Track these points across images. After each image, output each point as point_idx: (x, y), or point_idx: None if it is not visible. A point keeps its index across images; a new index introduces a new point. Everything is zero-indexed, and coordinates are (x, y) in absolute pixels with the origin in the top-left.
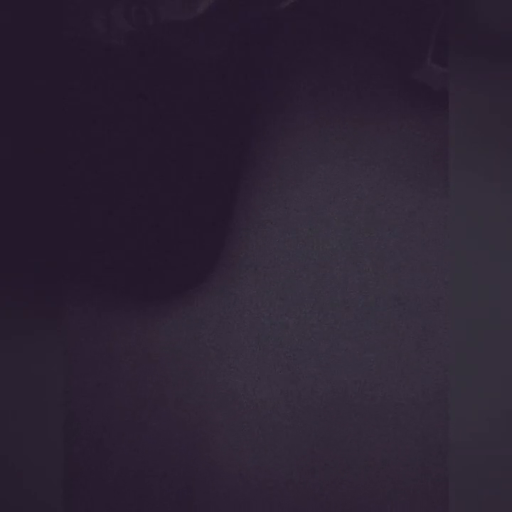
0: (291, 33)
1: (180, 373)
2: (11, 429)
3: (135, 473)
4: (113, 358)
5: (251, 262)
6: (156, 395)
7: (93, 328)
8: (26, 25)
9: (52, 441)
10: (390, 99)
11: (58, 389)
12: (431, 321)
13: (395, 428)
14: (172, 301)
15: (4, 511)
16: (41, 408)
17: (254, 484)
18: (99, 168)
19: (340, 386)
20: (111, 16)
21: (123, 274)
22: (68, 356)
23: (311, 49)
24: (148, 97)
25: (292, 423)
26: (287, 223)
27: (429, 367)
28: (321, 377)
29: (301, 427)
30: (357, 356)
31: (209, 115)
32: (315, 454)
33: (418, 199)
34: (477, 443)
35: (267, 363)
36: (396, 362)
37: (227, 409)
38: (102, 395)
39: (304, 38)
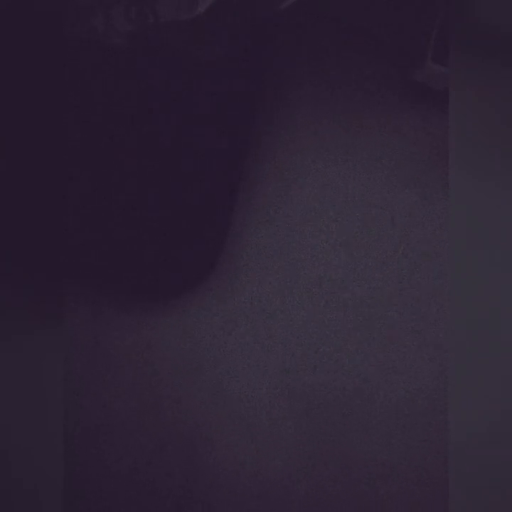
0: (291, 33)
1: (180, 374)
2: (11, 429)
3: (135, 473)
4: (113, 358)
5: (251, 262)
6: (155, 396)
7: (93, 328)
8: (27, 25)
9: (52, 441)
10: (390, 99)
11: (58, 389)
12: (431, 322)
13: (395, 428)
14: (172, 301)
15: (4, 511)
16: (41, 408)
17: (253, 484)
18: (99, 168)
19: (339, 386)
20: (111, 15)
21: (123, 275)
22: (68, 356)
23: (311, 49)
24: (148, 97)
25: (292, 424)
26: (287, 223)
27: (428, 367)
28: (321, 378)
29: (301, 428)
30: (357, 357)
31: (209, 115)
32: (314, 454)
33: (418, 199)
34: (477, 443)
35: (267, 363)
36: (396, 362)
37: (226, 410)
38: (101, 395)
39: (304, 38)
